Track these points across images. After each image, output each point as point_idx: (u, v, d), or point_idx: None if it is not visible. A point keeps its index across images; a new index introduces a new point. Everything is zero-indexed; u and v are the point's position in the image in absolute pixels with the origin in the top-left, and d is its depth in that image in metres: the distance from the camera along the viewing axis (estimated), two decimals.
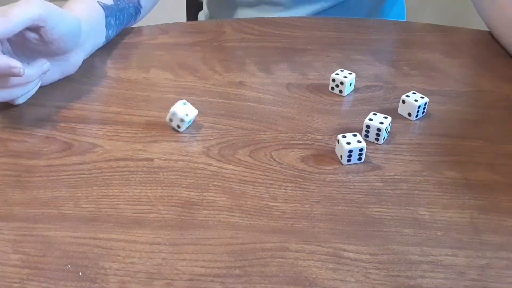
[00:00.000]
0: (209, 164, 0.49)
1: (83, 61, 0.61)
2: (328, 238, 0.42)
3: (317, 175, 0.48)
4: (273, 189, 0.46)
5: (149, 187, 0.46)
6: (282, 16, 0.80)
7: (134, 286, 0.38)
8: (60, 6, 0.55)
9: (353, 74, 0.58)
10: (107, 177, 0.47)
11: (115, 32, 0.66)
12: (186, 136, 0.52)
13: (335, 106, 0.57)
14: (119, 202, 0.45)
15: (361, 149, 0.48)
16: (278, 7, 0.81)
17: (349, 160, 0.49)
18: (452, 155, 0.50)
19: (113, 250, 0.41)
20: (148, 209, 0.44)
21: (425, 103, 0.54)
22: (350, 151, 0.48)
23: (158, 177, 0.47)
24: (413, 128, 0.54)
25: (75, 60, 0.58)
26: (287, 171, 0.48)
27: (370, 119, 0.51)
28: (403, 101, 0.54)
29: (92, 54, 0.63)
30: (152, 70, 0.62)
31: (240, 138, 0.52)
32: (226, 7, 0.86)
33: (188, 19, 1.11)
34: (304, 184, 0.47)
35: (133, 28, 0.71)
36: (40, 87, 0.56)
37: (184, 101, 0.52)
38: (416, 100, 0.54)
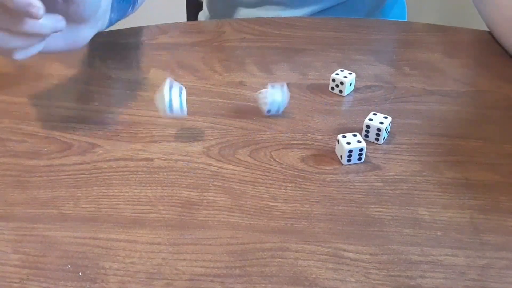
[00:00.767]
0: (209, 164, 0.49)
1: (83, 61, 0.61)
2: (328, 238, 0.42)
3: (317, 175, 0.48)
4: (273, 189, 0.46)
5: (149, 187, 0.46)
6: (284, 15, 0.80)
7: (134, 286, 0.38)
8: None
9: (353, 74, 0.58)
10: (107, 177, 0.47)
11: (115, 18, 0.62)
12: (186, 136, 0.52)
13: (335, 106, 0.57)
14: (119, 202, 0.45)
15: (361, 149, 0.48)
16: (280, 6, 0.81)
17: (349, 160, 0.49)
18: (452, 155, 0.50)
19: (113, 250, 0.41)
20: (148, 209, 0.44)
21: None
22: (350, 151, 0.48)
23: (158, 177, 0.47)
24: (413, 128, 0.54)
25: (84, 34, 0.52)
26: (287, 171, 0.48)
27: (370, 119, 0.51)
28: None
29: (92, 54, 0.63)
30: (152, 70, 0.62)
31: (240, 138, 0.52)
32: (226, 7, 0.86)
33: (188, 19, 1.11)
34: (304, 184, 0.47)
35: (133, 28, 0.71)
36: (42, 87, 0.56)
37: (169, 82, 0.50)
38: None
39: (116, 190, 0.46)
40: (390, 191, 0.46)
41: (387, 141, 0.52)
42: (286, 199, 0.45)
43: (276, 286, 0.38)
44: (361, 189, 0.46)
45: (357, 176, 0.48)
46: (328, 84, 0.59)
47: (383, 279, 0.39)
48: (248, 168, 0.48)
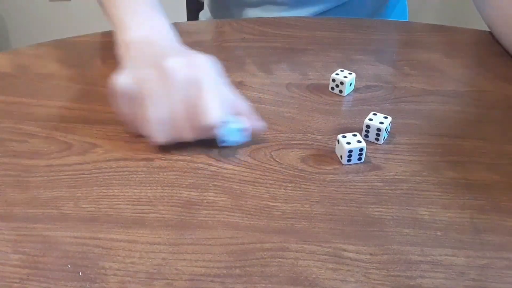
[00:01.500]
0: (209, 164, 0.49)
1: (83, 61, 0.61)
2: (328, 238, 0.42)
3: (317, 175, 0.48)
4: (273, 189, 0.46)
5: (149, 187, 0.46)
6: (285, 16, 0.80)
7: (134, 286, 0.38)
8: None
9: (353, 74, 0.58)
10: (107, 177, 0.47)
11: None
12: None
13: (335, 106, 0.57)
14: (119, 202, 0.45)
15: (361, 149, 0.48)
16: (282, 7, 0.81)
17: (349, 160, 0.49)
18: (452, 155, 0.50)
19: (113, 250, 0.41)
20: (148, 209, 0.44)
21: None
22: (350, 151, 0.48)
23: (158, 177, 0.47)
24: (413, 128, 0.54)
25: None
26: (287, 171, 0.48)
27: (370, 119, 0.51)
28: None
29: (92, 54, 0.63)
30: None
31: None
32: (227, 7, 0.86)
33: (188, 19, 1.11)
34: (304, 184, 0.47)
35: None
36: (42, 87, 0.56)
37: None
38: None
39: (116, 190, 0.46)
40: (390, 191, 0.46)
41: (387, 141, 0.52)
42: (286, 199, 0.45)
43: (276, 286, 0.38)
44: (361, 189, 0.46)
45: (357, 176, 0.48)
46: (328, 84, 0.59)
47: (383, 279, 0.39)
48: (248, 168, 0.48)
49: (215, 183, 0.47)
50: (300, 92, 0.59)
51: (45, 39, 0.70)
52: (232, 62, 0.64)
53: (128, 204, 0.45)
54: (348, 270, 0.39)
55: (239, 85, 0.60)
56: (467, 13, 1.33)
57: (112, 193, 0.46)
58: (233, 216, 0.44)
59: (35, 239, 0.42)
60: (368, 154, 0.50)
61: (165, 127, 0.47)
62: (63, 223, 0.43)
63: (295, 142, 0.52)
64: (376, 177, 0.48)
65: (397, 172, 0.48)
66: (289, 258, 0.40)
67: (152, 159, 0.49)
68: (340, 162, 0.49)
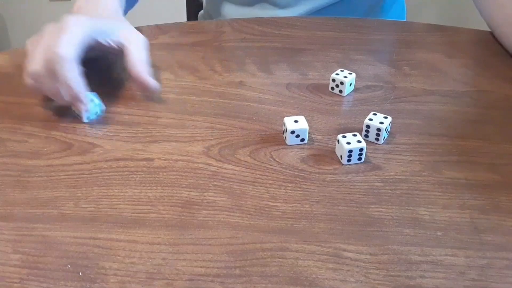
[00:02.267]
0: (209, 164, 0.49)
1: (83, 61, 0.61)
2: (328, 238, 0.42)
3: (317, 175, 0.48)
4: (273, 189, 0.46)
5: (149, 187, 0.46)
6: (282, 14, 0.80)
7: (134, 286, 0.38)
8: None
9: (353, 74, 0.58)
10: (107, 177, 0.47)
11: (127, 10, 0.69)
12: (186, 136, 0.52)
13: (335, 106, 0.57)
14: (119, 202, 0.45)
15: (361, 149, 0.48)
16: (277, 6, 0.81)
17: (349, 160, 0.49)
18: (452, 155, 0.50)
19: (113, 250, 0.41)
20: (148, 209, 0.44)
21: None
22: (350, 151, 0.48)
23: (158, 177, 0.47)
24: (413, 128, 0.54)
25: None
26: (287, 171, 0.48)
27: (370, 119, 0.51)
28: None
29: (92, 54, 0.63)
30: (152, 70, 0.62)
31: (240, 138, 0.52)
32: (226, 5, 0.86)
33: (188, 19, 1.11)
34: (304, 184, 0.47)
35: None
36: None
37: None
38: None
39: (116, 190, 0.46)
40: (390, 191, 0.46)
41: (387, 141, 0.52)
42: (286, 199, 0.45)
43: (276, 286, 0.38)
44: (361, 189, 0.46)
45: (357, 176, 0.48)
46: (328, 84, 0.59)
47: (383, 279, 0.39)
48: (248, 168, 0.48)
49: (215, 183, 0.47)
50: (300, 92, 0.59)
51: None
52: (232, 62, 0.64)
53: (128, 204, 0.45)
54: (348, 270, 0.39)
55: (239, 85, 0.60)
56: (467, 13, 1.33)
57: (112, 193, 0.46)
58: (233, 216, 0.44)
59: (35, 239, 0.42)
60: (368, 154, 0.50)
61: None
62: (63, 223, 0.43)
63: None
64: (376, 177, 0.48)
65: (397, 172, 0.48)
66: (289, 258, 0.40)
67: (152, 159, 0.49)
68: (340, 162, 0.49)
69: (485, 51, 0.68)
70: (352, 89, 0.59)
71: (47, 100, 0.57)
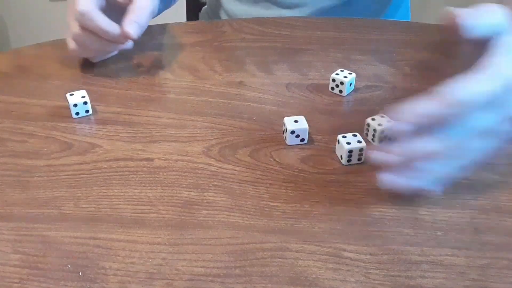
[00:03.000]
0: (209, 164, 0.49)
1: (83, 61, 0.61)
2: (328, 238, 0.42)
3: (317, 175, 0.48)
4: (273, 189, 0.46)
5: (149, 187, 0.46)
6: (286, 14, 0.80)
7: (134, 286, 0.38)
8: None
9: (353, 74, 0.58)
10: (107, 177, 0.47)
11: (162, 9, 0.71)
12: (186, 136, 0.52)
13: (335, 106, 0.57)
14: (119, 202, 0.45)
15: (361, 149, 0.48)
16: (283, 5, 0.81)
17: (349, 161, 0.49)
18: None
19: (113, 250, 0.41)
20: (148, 209, 0.44)
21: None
22: (350, 151, 0.48)
23: (158, 177, 0.47)
24: None
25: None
26: (287, 171, 0.48)
27: (373, 119, 0.51)
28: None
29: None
30: (152, 70, 0.62)
31: (240, 138, 0.52)
32: (229, 1, 0.86)
33: (188, 19, 1.11)
34: (304, 184, 0.47)
35: None
36: (42, 87, 0.56)
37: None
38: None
39: (116, 190, 0.46)
40: (390, 191, 0.46)
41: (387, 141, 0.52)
42: (286, 199, 0.45)
43: (276, 286, 0.38)
44: (361, 189, 0.46)
45: (357, 176, 0.48)
46: (328, 84, 0.59)
47: (383, 279, 0.39)
48: (248, 168, 0.48)
49: (215, 183, 0.47)
50: (300, 92, 0.59)
51: (45, 39, 0.70)
52: (232, 62, 0.64)
53: (128, 204, 0.45)
54: (348, 270, 0.39)
55: (239, 85, 0.60)
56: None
57: (112, 193, 0.46)
58: (233, 216, 0.44)
59: (35, 239, 0.42)
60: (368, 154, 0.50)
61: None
62: (63, 223, 0.43)
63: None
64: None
65: None
66: (289, 258, 0.40)
67: (152, 159, 0.49)
68: (340, 162, 0.49)
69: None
70: (352, 89, 0.59)
71: (46, 100, 0.57)
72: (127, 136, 0.52)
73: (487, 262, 0.40)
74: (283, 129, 0.51)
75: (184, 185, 0.47)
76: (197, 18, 1.05)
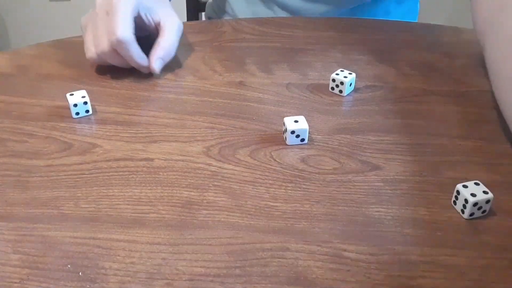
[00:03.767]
0: (209, 164, 0.49)
1: (83, 61, 0.61)
2: (328, 238, 0.42)
3: (317, 175, 0.48)
4: (273, 189, 0.46)
5: (149, 187, 0.46)
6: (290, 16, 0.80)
7: (134, 286, 0.38)
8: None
9: (353, 74, 0.58)
10: (107, 177, 0.47)
11: None
12: (186, 136, 0.52)
13: (335, 106, 0.57)
14: (119, 202, 0.45)
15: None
16: (287, 9, 0.81)
17: (471, 214, 0.44)
18: (452, 155, 0.50)
19: (113, 250, 0.41)
20: (148, 209, 0.44)
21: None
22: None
23: (158, 177, 0.47)
24: (413, 128, 0.54)
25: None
26: (287, 171, 0.48)
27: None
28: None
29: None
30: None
31: (240, 138, 0.52)
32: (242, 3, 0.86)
33: (188, 19, 1.11)
34: (304, 184, 0.47)
35: None
36: (42, 87, 0.56)
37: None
38: None
39: (116, 190, 0.46)
40: (390, 191, 0.46)
41: (387, 141, 0.52)
42: (286, 199, 0.45)
43: (276, 286, 0.38)
44: (361, 189, 0.46)
45: (357, 176, 0.48)
46: (328, 84, 0.59)
47: (383, 279, 0.39)
48: (248, 168, 0.48)
49: (215, 183, 0.47)
50: (300, 92, 0.59)
51: (45, 39, 0.70)
52: (232, 62, 0.64)
53: (128, 204, 0.45)
54: (348, 270, 0.39)
55: (239, 85, 0.60)
56: (467, 13, 1.33)
57: (112, 193, 0.46)
58: (233, 216, 0.44)
59: (35, 239, 0.42)
60: (368, 154, 0.50)
61: (92, 45, 0.59)
62: (63, 223, 0.43)
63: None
64: (376, 177, 0.48)
65: (397, 172, 0.48)
66: (289, 258, 0.40)
67: (152, 159, 0.49)
68: (340, 162, 0.49)
69: None
70: (352, 89, 0.59)
71: (46, 100, 0.57)
72: (127, 136, 0.52)
73: (487, 262, 0.40)
74: (283, 129, 0.52)
75: (184, 185, 0.47)
76: (197, 18, 1.05)
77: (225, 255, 0.40)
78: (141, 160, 0.49)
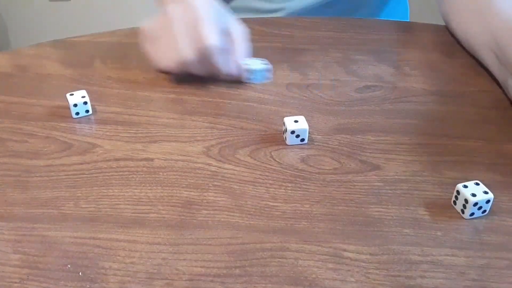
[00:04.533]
0: (209, 164, 0.49)
1: (83, 61, 0.61)
2: (328, 238, 0.42)
3: (317, 175, 0.48)
4: (273, 189, 0.46)
5: (149, 187, 0.46)
6: (288, 5, 0.80)
7: (134, 286, 0.38)
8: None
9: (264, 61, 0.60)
10: (107, 177, 0.47)
11: None
12: (186, 136, 0.52)
13: (335, 106, 0.57)
14: (119, 202, 0.45)
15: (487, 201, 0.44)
16: None
17: (472, 214, 0.44)
18: (452, 155, 0.50)
19: (113, 250, 0.41)
20: (148, 209, 0.44)
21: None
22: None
23: (158, 177, 0.47)
24: (413, 128, 0.54)
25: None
26: (287, 171, 0.48)
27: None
28: None
29: (92, 54, 0.63)
30: (152, 70, 0.62)
31: (240, 138, 0.52)
32: None
33: None
34: (304, 184, 0.47)
35: (133, 28, 0.71)
36: (42, 87, 0.56)
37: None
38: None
39: (116, 190, 0.46)
40: (390, 191, 0.46)
41: (386, 141, 0.52)
42: (286, 199, 0.45)
43: (276, 286, 0.38)
44: (361, 189, 0.46)
45: (357, 176, 0.48)
46: (328, 84, 0.59)
47: (383, 279, 0.39)
48: (248, 168, 0.48)
49: (215, 183, 0.47)
50: (300, 92, 0.59)
51: (45, 39, 0.70)
52: None
53: (128, 204, 0.45)
54: (348, 270, 0.39)
55: (239, 85, 0.60)
56: None
57: (112, 193, 0.46)
58: (233, 216, 0.44)
59: (35, 239, 0.42)
60: (368, 154, 0.50)
61: (170, 54, 0.57)
62: (63, 223, 0.43)
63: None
64: (376, 177, 0.48)
65: (397, 172, 0.48)
66: (289, 258, 0.40)
67: (152, 159, 0.49)
68: (340, 162, 0.49)
69: None
70: (263, 78, 0.60)
71: (46, 100, 0.57)
72: (127, 136, 0.52)
73: (487, 262, 0.40)
74: (283, 129, 0.52)
75: (184, 185, 0.47)
76: None
77: (225, 255, 0.40)
78: (141, 160, 0.49)
